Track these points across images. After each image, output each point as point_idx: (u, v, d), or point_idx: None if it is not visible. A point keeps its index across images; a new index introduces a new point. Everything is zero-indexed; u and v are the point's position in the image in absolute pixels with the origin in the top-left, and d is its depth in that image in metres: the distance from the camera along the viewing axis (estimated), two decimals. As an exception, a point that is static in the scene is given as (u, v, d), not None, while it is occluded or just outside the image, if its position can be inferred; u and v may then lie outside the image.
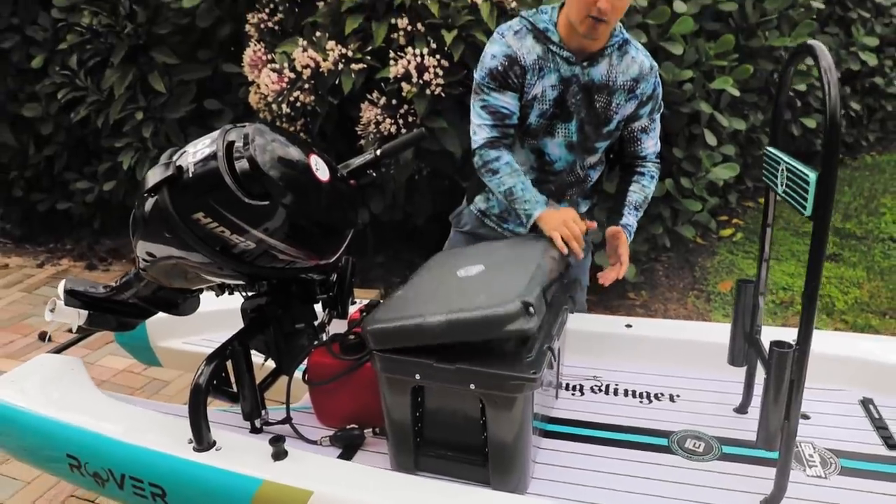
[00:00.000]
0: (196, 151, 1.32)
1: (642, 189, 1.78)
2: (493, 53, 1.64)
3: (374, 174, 1.80)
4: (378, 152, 1.67)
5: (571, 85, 1.64)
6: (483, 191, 1.87)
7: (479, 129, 1.68)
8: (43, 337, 1.91)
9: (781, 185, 1.24)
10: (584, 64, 1.62)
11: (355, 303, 2.02)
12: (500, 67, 1.62)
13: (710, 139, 2.94)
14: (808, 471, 1.39)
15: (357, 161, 1.66)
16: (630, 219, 1.74)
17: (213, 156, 1.29)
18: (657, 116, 1.76)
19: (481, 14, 2.33)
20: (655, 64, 1.71)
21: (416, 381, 1.29)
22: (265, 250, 1.33)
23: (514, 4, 2.37)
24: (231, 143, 1.30)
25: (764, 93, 3.51)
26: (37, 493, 2.07)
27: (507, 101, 1.65)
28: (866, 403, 1.61)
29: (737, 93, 2.96)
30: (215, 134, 1.34)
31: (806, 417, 1.57)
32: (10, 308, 3.43)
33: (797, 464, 1.41)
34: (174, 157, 1.33)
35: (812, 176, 1.07)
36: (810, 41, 1.15)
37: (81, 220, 4.20)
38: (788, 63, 1.31)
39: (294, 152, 1.35)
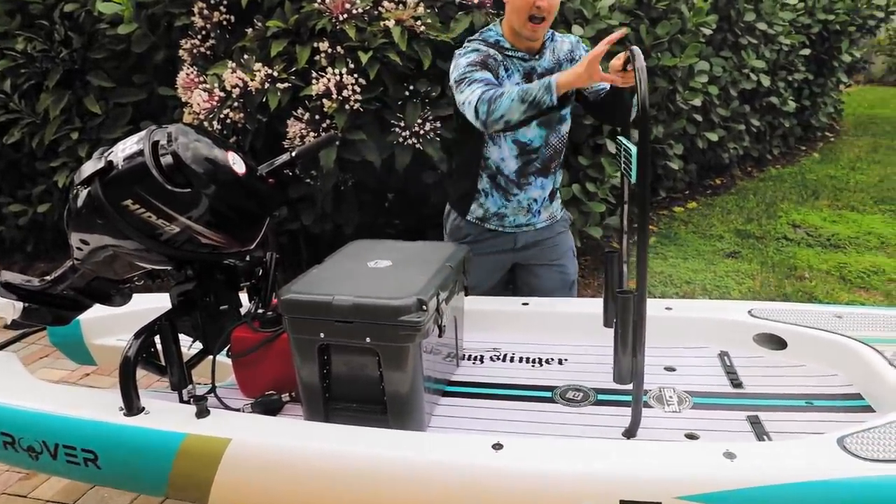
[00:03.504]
0: (125, 148, 1.50)
1: None
2: (467, 55, 1.91)
3: (292, 174, 1.97)
4: (293, 154, 1.87)
5: (533, 75, 1.97)
6: (475, 199, 2.13)
7: (471, 93, 1.80)
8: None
9: (623, 164, 1.50)
10: (536, 57, 1.97)
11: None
12: (478, 58, 1.90)
13: (612, 148, 3.25)
14: (666, 408, 1.63)
15: (276, 162, 1.86)
16: None
17: (140, 152, 1.47)
18: None
19: (393, 37, 2.58)
20: (576, 37, 2.12)
21: (321, 339, 1.48)
22: (190, 236, 1.51)
23: (423, 28, 2.63)
24: (156, 142, 1.49)
25: (662, 109, 3.88)
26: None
27: (489, 75, 1.89)
28: (723, 356, 1.87)
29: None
30: (142, 133, 1.53)
31: (672, 370, 1.82)
32: (-57, 331, 3.45)
33: (658, 404, 1.65)
34: (105, 154, 1.51)
35: (633, 149, 1.33)
36: (632, 47, 1.42)
37: (14, 245, 4.23)
38: (624, 67, 1.59)
39: (214, 149, 1.55)
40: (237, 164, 1.58)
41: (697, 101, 3.94)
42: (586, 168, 3.27)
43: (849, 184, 5.55)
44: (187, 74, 2.95)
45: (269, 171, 1.83)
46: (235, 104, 2.76)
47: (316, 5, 2.65)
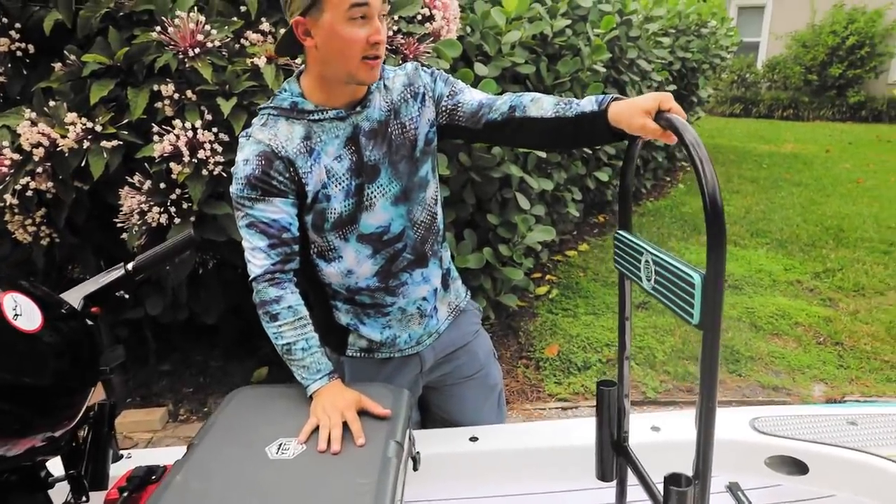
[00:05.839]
0: None
1: (539, 102, 1.35)
2: (244, 159, 1.33)
3: (127, 296, 1.32)
4: (130, 267, 1.23)
5: (359, 138, 1.37)
6: (348, 332, 1.51)
7: (254, 256, 1.35)
8: None
9: (648, 280, 1.04)
10: (358, 109, 1.37)
11: (121, 457, 1.50)
12: (256, 172, 1.31)
13: (524, 203, 2.85)
14: None
15: (101, 280, 1.21)
16: (597, 99, 1.31)
17: None
18: (459, 86, 1.47)
19: (265, 79, 1.98)
20: (412, 63, 1.49)
21: None
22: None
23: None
24: None
25: (564, 152, 3.57)
26: None
27: (275, 211, 1.33)
28: (734, 490, 1.47)
29: (543, 154, 2.92)
30: None
31: (683, 526, 1.38)
32: None
33: None
34: None
35: (697, 277, 0.87)
36: (667, 115, 0.97)
37: None
38: (634, 137, 1.14)
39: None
40: (23, 315, 0.92)
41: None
42: (496, 228, 2.83)
43: (721, 216, 5.65)
44: (-34, 126, 2.13)
45: (90, 295, 1.19)
46: (39, 169, 2.00)
47: (154, 35, 1.98)
